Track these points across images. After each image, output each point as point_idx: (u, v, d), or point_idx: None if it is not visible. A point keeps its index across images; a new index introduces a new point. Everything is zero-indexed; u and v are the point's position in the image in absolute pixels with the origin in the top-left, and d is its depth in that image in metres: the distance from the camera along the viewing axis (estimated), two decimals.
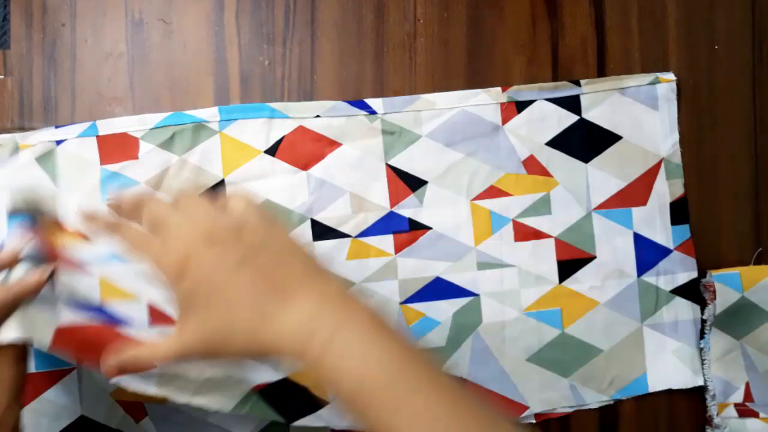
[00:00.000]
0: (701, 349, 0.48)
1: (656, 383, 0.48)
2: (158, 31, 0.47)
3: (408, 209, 0.47)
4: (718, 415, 0.47)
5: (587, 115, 0.48)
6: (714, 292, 0.47)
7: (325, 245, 0.47)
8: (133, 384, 0.41)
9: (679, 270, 0.48)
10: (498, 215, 0.48)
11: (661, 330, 0.48)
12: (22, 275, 0.38)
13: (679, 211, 0.49)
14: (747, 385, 0.48)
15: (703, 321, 0.48)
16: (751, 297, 0.47)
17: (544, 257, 0.48)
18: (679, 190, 0.49)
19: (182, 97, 0.47)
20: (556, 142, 0.48)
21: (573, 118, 0.48)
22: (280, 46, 0.48)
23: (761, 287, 0.47)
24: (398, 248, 0.47)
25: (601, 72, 0.49)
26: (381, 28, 0.48)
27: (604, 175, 0.48)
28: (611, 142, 0.48)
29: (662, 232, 0.48)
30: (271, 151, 0.47)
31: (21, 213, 0.40)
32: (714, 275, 0.47)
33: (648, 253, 0.48)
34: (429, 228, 0.47)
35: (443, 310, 0.47)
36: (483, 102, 0.48)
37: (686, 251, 0.48)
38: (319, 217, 0.47)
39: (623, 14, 0.49)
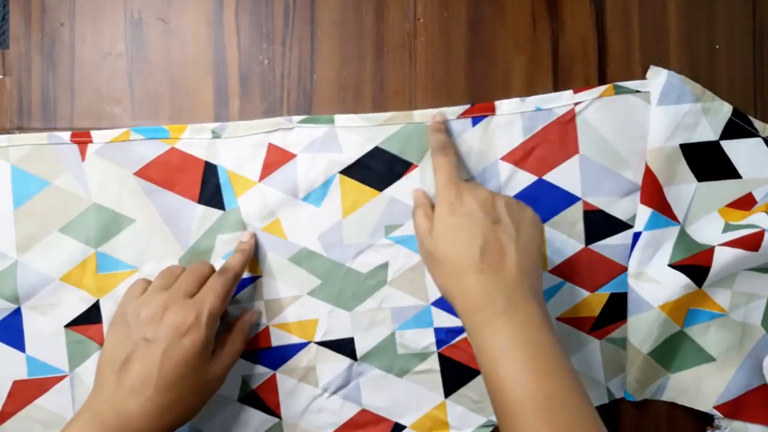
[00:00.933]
0: None
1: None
2: (157, 31, 0.47)
3: None
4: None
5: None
6: None
7: None
8: None
9: None
10: None
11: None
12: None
13: None
14: None
15: None
16: None
17: None
18: None
19: (181, 96, 0.47)
20: None
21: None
22: (279, 46, 0.48)
23: None
24: None
25: (602, 72, 0.49)
26: (381, 28, 0.48)
27: None
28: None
29: None
30: None
31: None
32: None
33: None
34: None
35: None
36: None
37: None
38: None
39: (624, 14, 0.49)
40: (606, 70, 0.49)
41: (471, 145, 0.47)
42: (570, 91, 0.47)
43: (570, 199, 0.47)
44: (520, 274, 0.37)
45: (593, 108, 0.47)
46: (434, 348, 0.47)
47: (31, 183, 0.45)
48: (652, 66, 0.48)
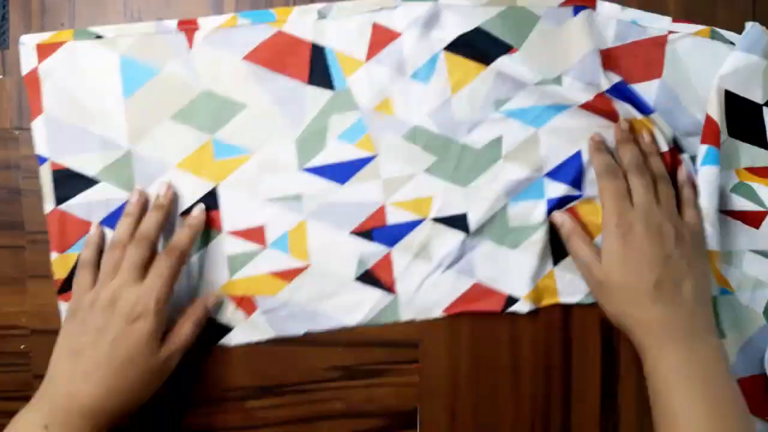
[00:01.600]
0: None
1: None
2: None
3: None
4: None
5: None
6: None
7: None
8: None
9: None
10: None
11: None
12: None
13: None
14: None
15: None
16: None
17: None
18: None
19: None
20: None
21: None
22: None
23: None
24: None
25: None
26: None
27: None
28: None
29: None
30: None
31: None
32: None
33: None
34: None
35: None
36: None
37: None
38: None
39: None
40: None
41: (571, 33, 0.47)
42: (669, 18, 0.48)
43: (647, 110, 0.47)
44: (697, 306, 0.40)
45: (685, 42, 0.48)
46: (545, 218, 0.47)
47: (141, 72, 0.46)
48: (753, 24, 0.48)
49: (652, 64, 0.48)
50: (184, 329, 0.43)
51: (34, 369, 0.46)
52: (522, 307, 0.47)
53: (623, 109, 0.46)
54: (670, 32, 0.48)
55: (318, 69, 0.46)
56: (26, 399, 0.45)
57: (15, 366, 0.47)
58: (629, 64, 0.48)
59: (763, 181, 0.48)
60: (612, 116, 0.47)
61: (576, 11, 0.47)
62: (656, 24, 0.48)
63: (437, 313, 0.47)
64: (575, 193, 0.47)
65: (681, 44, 0.48)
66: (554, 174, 0.48)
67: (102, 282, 0.41)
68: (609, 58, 0.47)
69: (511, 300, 0.48)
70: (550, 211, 0.47)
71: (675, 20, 0.48)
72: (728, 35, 0.48)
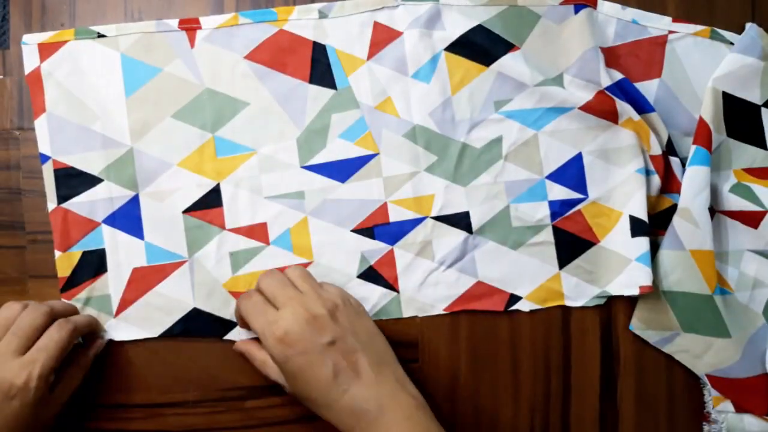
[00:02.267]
0: None
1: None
2: None
3: None
4: (714, 407, 0.48)
5: None
6: None
7: None
8: None
9: None
10: None
11: None
12: None
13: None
14: None
15: None
16: None
17: None
18: None
19: None
20: None
21: None
22: None
23: None
24: None
25: None
26: None
27: None
28: None
29: None
30: None
31: None
32: None
33: None
34: None
35: None
36: None
37: None
38: None
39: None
40: None
41: (573, 30, 0.47)
42: (669, 18, 0.48)
43: (648, 107, 0.46)
44: (377, 371, 0.38)
45: (685, 42, 0.48)
46: (548, 220, 0.47)
47: (142, 71, 0.46)
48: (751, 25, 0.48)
49: (651, 63, 0.48)
50: (74, 378, 0.42)
51: None
52: (524, 306, 0.47)
53: (623, 108, 0.46)
54: (670, 32, 0.48)
55: (319, 68, 0.47)
56: None
57: None
58: (629, 64, 0.48)
59: (762, 182, 0.48)
60: (612, 116, 0.47)
61: (577, 9, 0.47)
62: (656, 23, 0.48)
63: (439, 310, 0.47)
64: (578, 195, 0.48)
65: (681, 44, 0.48)
66: (555, 176, 0.48)
67: None
68: (609, 57, 0.48)
69: (514, 299, 0.48)
70: (552, 213, 0.48)
71: (675, 20, 0.48)
72: (728, 35, 0.48)
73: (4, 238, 0.47)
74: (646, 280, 0.46)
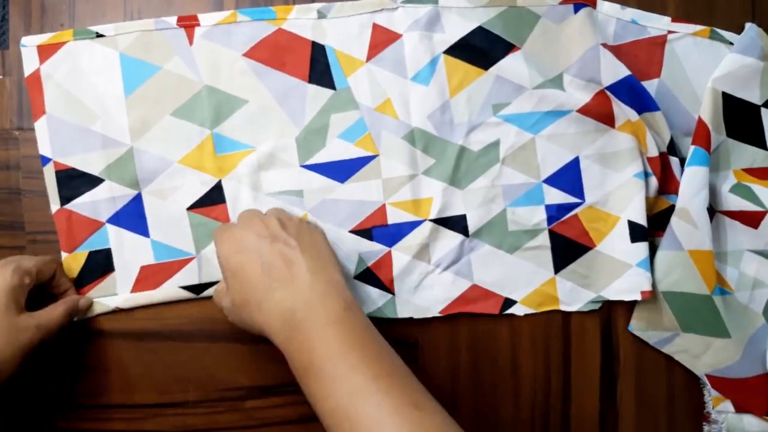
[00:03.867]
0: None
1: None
2: None
3: None
4: (714, 407, 0.48)
5: None
6: None
7: None
8: None
9: None
10: None
11: None
12: None
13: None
14: None
15: None
16: None
17: None
18: None
19: None
20: None
21: None
22: None
23: None
24: None
25: None
26: None
27: None
28: None
29: None
30: None
31: None
32: None
33: None
34: None
35: None
36: None
37: None
38: None
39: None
40: None
41: (572, 30, 0.47)
42: (668, 18, 0.48)
43: (653, 106, 0.46)
44: (312, 275, 0.37)
45: (685, 42, 0.48)
46: (545, 225, 0.47)
47: (141, 69, 0.46)
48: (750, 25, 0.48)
49: (651, 63, 0.48)
50: (56, 309, 0.43)
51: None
52: (519, 310, 0.47)
53: (621, 110, 0.46)
54: (670, 32, 0.48)
55: (318, 67, 0.46)
56: None
57: None
58: (628, 63, 0.47)
59: (762, 182, 0.48)
60: (609, 119, 0.47)
61: (576, 9, 0.47)
62: (656, 23, 0.48)
63: (435, 312, 0.47)
64: (575, 200, 0.47)
65: (680, 44, 0.48)
66: (552, 180, 0.47)
67: None
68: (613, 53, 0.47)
69: (509, 302, 0.47)
70: (549, 217, 0.47)
71: (674, 20, 0.48)
72: (728, 36, 0.48)
73: (4, 238, 0.47)
74: (647, 285, 0.46)
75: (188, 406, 0.47)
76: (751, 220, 0.48)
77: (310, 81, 0.46)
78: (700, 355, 0.47)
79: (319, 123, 0.47)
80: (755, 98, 0.47)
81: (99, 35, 0.46)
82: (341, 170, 0.47)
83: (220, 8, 0.47)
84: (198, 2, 0.47)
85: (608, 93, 0.46)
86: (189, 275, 0.46)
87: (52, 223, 0.46)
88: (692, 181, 0.46)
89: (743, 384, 0.47)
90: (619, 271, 0.47)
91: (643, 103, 0.46)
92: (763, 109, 0.48)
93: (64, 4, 0.47)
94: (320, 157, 0.47)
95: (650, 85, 0.48)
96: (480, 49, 0.47)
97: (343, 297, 0.37)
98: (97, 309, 0.46)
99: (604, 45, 0.46)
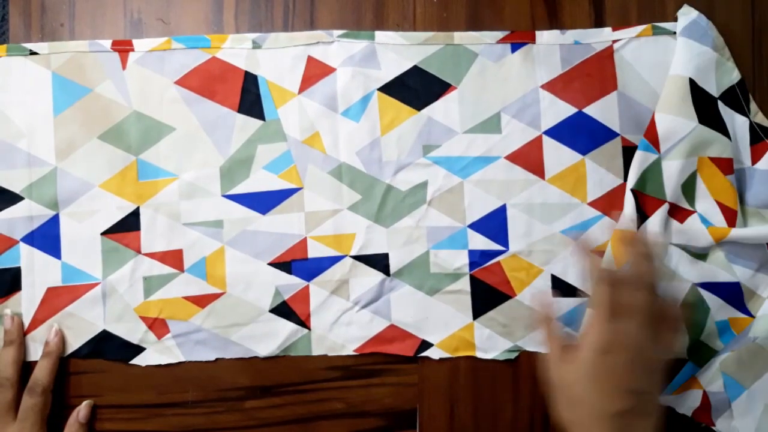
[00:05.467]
0: None
1: None
2: (157, 31, 0.47)
3: None
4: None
5: None
6: None
7: None
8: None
9: None
10: None
11: None
12: None
13: None
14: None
15: None
16: None
17: None
18: None
19: None
20: None
21: None
22: None
23: None
24: None
25: None
26: (380, 28, 0.48)
27: None
28: None
29: None
30: None
31: None
32: None
33: None
34: None
35: None
36: None
37: None
38: None
39: (623, 15, 0.49)
40: None
41: (510, 70, 0.47)
42: (609, 29, 0.48)
43: (609, 134, 0.47)
44: (643, 409, 0.36)
45: (631, 46, 0.48)
46: (467, 269, 0.47)
47: (72, 90, 0.46)
48: (685, 4, 0.48)
49: (604, 78, 0.48)
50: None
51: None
52: (435, 353, 0.47)
53: (556, 158, 0.47)
54: (615, 41, 0.47)
55: (249, 98, 0.46)
56: None
57: None
58: (585, 85, 0.47)
59: (720, 178, 0.47)
60: (539, 169, 0.47)
61: (514, 48, 0.47)
62: (598, 38, 0.48)
63: (349, 350, 0.47)
64: (499, 247, 0.47)
65: (627, 50, 0.48)
66: (478, 226, 0.47)
67: None
68: (564, 84, 0.47)
69: (425, 345, 0.47)
70: (471, 263, 0.47)
71: (615, 28, 0.47)
72: (669, 26, 0.48)
73: None
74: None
75: (188, 406, 0.47)
76: (679, 214, 0.47)
77: (240, 111, 0.46)
78: None
79: (245, 153, 0.46)
80: (713, 90, 0.47)
81: (32, 53, 0.46)
82: (264, 201, 0.46)
83: (220, 9, 0.47)
84: (198, 3, 0.47)
85: (545, 138, 0.46)
86: (93, 300, 0.46)
87: None
88: (634, 165, 0.47)
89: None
90: None
91: (593, 138, 0.46)
92: (719, 102, 0.47)
93: (64, 4, 0.47)
94: (243, 188, 0.46)
95: (611, 99, 0.47)
96: (414, 89, 0.47)
97: None
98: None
99: (545, 86, 0.46)
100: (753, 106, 0.48)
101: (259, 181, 0.46)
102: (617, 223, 0.47)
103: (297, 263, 0.47)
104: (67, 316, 0.46)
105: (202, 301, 0.46)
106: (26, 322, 0.46)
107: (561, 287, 0.47)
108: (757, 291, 0.48)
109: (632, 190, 0.47)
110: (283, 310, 0.47)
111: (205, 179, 0.46)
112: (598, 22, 0.49)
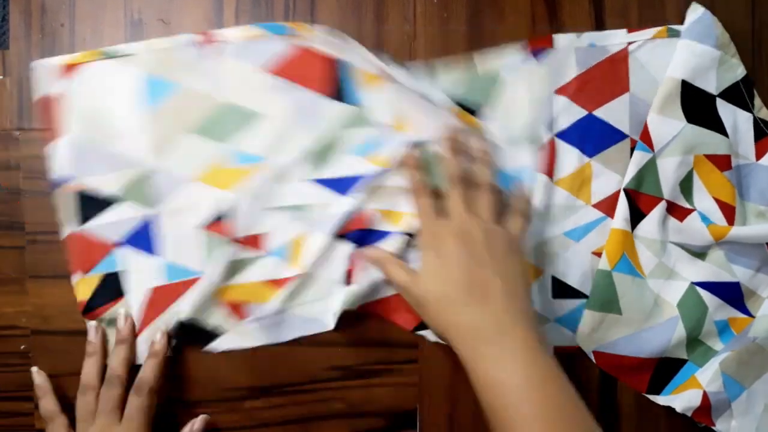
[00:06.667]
0: None
1: None
2: (157, 31, 0.47)
3: None
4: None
5: None
6: None
7: None
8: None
9: None
10: None
11: None
12: None
13: None
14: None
15: None
16: None
17: None
18: None
19: None
20: None
21: None
22: None
23: None
24: None
25: None
26: (380, 29, 0.48)
27: None
28: None
29: None
30: None
31: None
32: None
33: None
34: None
35: None
36: None
37: None
38: None
39: (623, 15, 0.49)
40: None
41: (530, 78, 0.47)
42: (624, 30, 0.48)
43: (618, 135, 0.48)
44: (507, 301, 0.39)
45: (646, 49, 0.48)
46: None
47: (162, 87, 0.45)
48: (694, 2, 0.47)
49: (617, 81, 0.48)
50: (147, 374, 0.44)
51: None
52: (430, 335, 0.47)
53: (565, 160, 0.48)
54: (629, 43, 0.48)
55: (338, 84, 0.46)
56: (26, 399, 0.46)
57: (15, 366, 0.47)
58: (598, 87, 0.48)
59: (710, 176, 0.48)
60: (549, 171, 0.48)
61: (536, 55, 0.48)
62: (614, 40, 0.48)
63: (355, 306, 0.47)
64: None
65: (641, 52, 0.48)
66: None
67: (79, 430, 0.42)
68: (578, 87, 0.48)
69: (423, 326, 0.47)
70: None
71: (631, 30, 0.48)
72: (683, 28, 0.48)
73: (3, 238, 0.47)
74: (566, 341, 0.48)
75: (188, 405, 0.47)
76: (678, 213, 0.48)
77: (330, 96, 0.46)
78: (591, 332, 0.48)
79: (335, 138, 0.46)
80: (711, 88, 0.47)
81: (117, 55, 0.46)
82: (348, 185, 0.46)
83: (221, 9, 0.47)
84: (198, 3, 0.47)
85: (557, 141, 0.47)
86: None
87: (52, 224, 0.46)
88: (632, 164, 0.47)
89: (628, 362, 0.48)
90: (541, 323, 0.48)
91: (602, 140, 0.47)
92: (718, 99, 0.47)
93: (64, 4, 0.47)
94: (329, 173, 0.47)
95: (622, 101, 0.48)
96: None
97: (534, 330, 0.38)
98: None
99: (560, 90, 0.47)
100: (757, 101, 0.48)
101: (345, 165, 0.47)
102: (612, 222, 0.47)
103: (353, 233, 0.47)
104: (174, 315, 0.46)
105: (282, 283, 0.46)
106: (136, 324, 0.46)
107: (562, 289, 0.47)
108: (757, 291, 0.48)
109: (628, 189, 0.47)
110: (347, 279, 0.47)
111: (294, 164, 0.46)
112: (599, 22, 0.49)
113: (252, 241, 0.46)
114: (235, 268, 0.46)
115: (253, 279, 0.46)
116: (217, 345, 0.46)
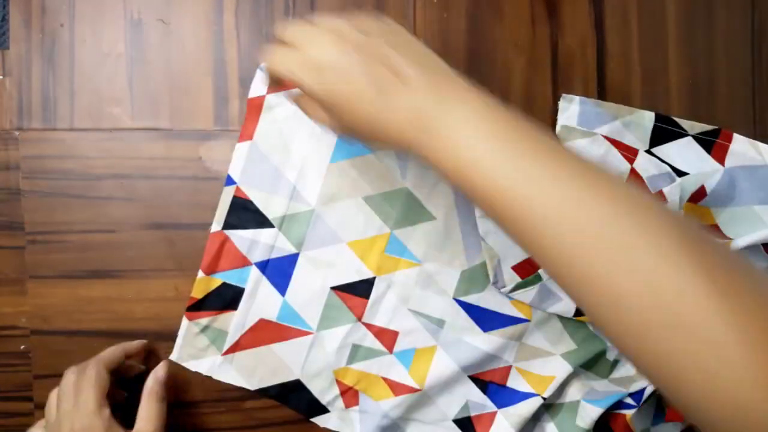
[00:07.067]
0: None
1: None
2: (157, 32, 0.47)
3: None
4: None
5: None
6: None
7: None
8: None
9: None
10: None
11: None
12: None
13: None
14: None
15: None
16: None
17: None
18: None
19: (181, 97, 0.47)
20: None
21: None
22: None
23: None
24: None
25: (600, 72, 0.49)
26: None
27: None
28: None
29: None
30: None
31: None
32: None
33: None
34: None
35: None
36: None
37: None
38: None
39: (623, 14, 0.49)
40: (605, 70, 0.49)
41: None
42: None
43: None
44: (428, 77, 0.31)
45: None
46: None
47: (354, 145, 0.46)
48: (563, 96, 0.48)
49: None
50: (152, 411, 0.42)
51: (33, 369, 0.46)
52: None
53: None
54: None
55: None
56: (26, 399, 0.46)
57: (15, 366, 0.47)
58: None
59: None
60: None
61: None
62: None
63: None
64: None
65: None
66: None
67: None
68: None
69: None
70: None
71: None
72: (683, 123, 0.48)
73: (3, 238, 0.47)
74: None
75: (188, 406, 0.47)
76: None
77: None
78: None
79: (486, 267, 0.46)
80: (640, 148, 0.48)
81: None
82: (489, 320, 0.47)
83: (221, 9, 0.47)
84: (198, 4, 0.47)
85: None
86: (299, 347, 0.46)
87: (52, 224, 0.46)
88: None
89: None
90: None
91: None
92: (653, 149, 0.48)
93: (64, 4, 0.47)
94: (475, 299, 0.47)
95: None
96: None
97: (483, 94, 0.31)
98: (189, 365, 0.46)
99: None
100: (684, 122, 0.49)
101: (492, 298, 0.47)
102: None
103: (494, 386, 0.47)
104: (267, 352, 0.46)
105: (397, 388, 0.47)
106: (229, 343, 0.46)
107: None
108: None
109: None
110: (465, 424, 0.47)
111: (444, 276, 0.47)
112: (598, 22, 0.49)
113: (387, 335, 0.47)
114: (360, 353, 0.47)
115: (372, 371, 0.47)
116: (324, 421, 0.47)
